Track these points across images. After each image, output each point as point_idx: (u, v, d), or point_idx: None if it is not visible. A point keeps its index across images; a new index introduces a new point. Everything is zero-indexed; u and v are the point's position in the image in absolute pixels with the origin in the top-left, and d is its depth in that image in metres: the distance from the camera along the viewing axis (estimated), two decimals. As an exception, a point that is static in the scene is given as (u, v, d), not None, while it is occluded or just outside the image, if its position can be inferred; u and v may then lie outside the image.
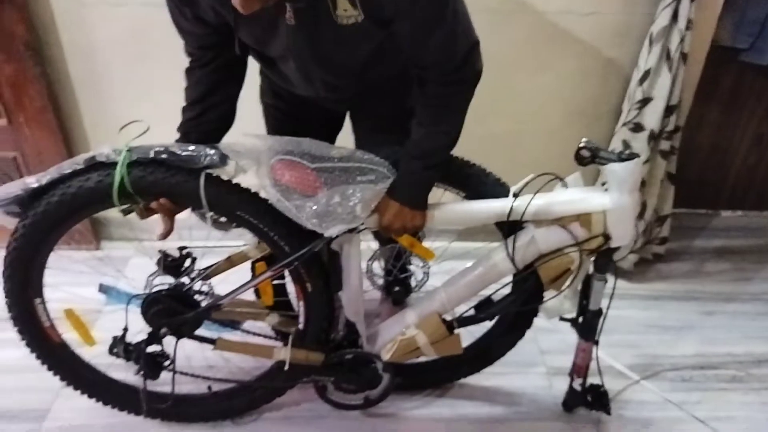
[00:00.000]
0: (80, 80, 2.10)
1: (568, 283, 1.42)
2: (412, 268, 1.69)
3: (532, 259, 1.43)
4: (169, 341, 1.50)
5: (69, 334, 1.55)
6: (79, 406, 1.69)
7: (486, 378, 1.84)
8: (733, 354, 2.05)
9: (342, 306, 1.51)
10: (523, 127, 2.23)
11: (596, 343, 1.58)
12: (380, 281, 1.69)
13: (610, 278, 1.48)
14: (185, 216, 1.42)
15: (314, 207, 1.30)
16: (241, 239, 1.54)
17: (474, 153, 1.49)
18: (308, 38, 1.19)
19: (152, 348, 1.50)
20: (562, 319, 1.57)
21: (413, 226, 1.39)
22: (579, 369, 1.65)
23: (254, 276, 1.52)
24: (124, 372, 1.61)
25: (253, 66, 1.44)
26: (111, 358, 1.51)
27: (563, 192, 1.38)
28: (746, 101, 2.46)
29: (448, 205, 1.43)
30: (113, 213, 1.37)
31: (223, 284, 1.51)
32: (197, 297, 1.51)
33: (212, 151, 1.30)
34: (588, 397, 1.69)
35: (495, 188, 1.45)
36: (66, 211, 1.33)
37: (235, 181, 1.37)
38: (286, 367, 1.52)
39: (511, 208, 1.36)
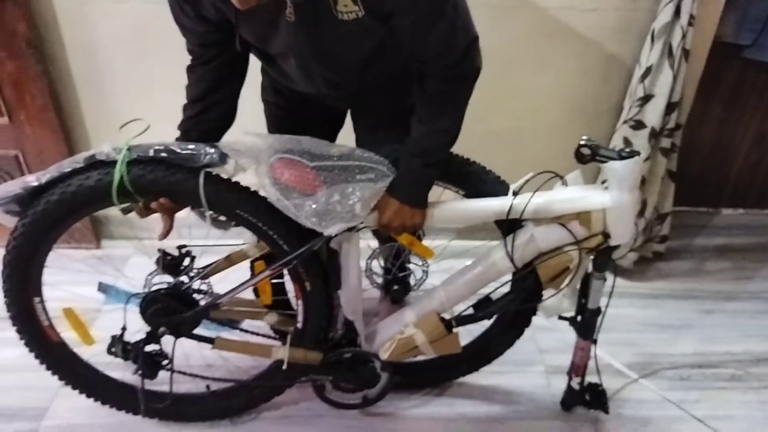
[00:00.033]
0: (82, 78, 2.09)
1: (567, 281, 1.42)
2: (411, 266, 1.69)
3: (531, 258, 1.42)
4: (167, 340, 1.50)
5: (68, 334, 1.55)
6: (77, 405, 1.69)
7: (484, 377, 1.84)
8: (732, 353, 2.04)
9: (341, 305, 1.51)
10: (523, 124, 2.23)
11: (595, 341, 1.58)
12: (379, 280, 1.69)
13: (609, 277, 1.48)
14: (184, 214, 1.42)
15: (313, 206, 1.29)
16: (241, 238, 1.54)
17: (474, 151, 1.49)
18: (308, 34, 1.19)
19: (151, 347, 1.50)
20: (560, 317, 1.57)
21: (412, 225, 1.39)
22: (577, 368, 1.64)
23: (253, 275, 1.52)
24: (122, 371, 1.61)
25: (254, 64, 1.44)
26: (110, 358, 1.51)
27: (563, 190, 1.38)
28: (748, 98, 2.45)
29: (448, 204, 1.42)
30: (113, 212, 1.38)
31: (222, 283, 1.51)
32: (196, 296, 1.51)
33: (212, 150, 1.30)
34: (586, 396, 1.68)
35: (494, 186, 1.44)
36: (66, 210, 1.33)
37: (234, 179, 1.37)
38: (285, 366, 1.52)
39: (511, 207, 1.36)
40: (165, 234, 1.42)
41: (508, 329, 1.66)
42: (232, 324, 1.63)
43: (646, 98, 2.02)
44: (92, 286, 1.60)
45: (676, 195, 2.28)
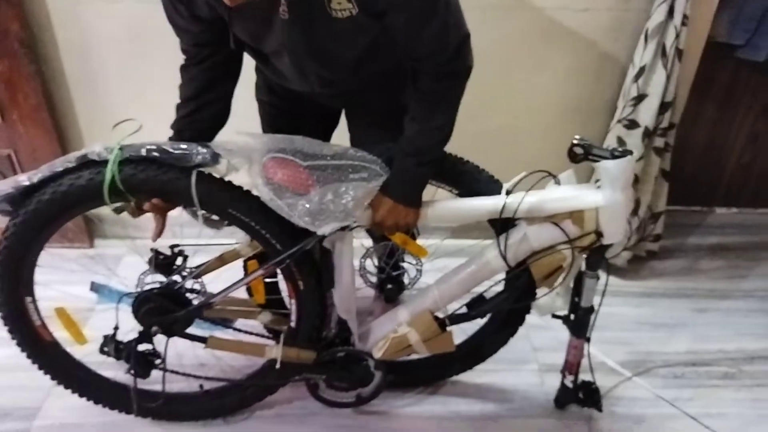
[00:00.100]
0: (75, 78, 2.09)
1: (560, 280, 1.43)
2: (404, 265, 1.69)
3: (524, 257, 1.43)
4: (160, 340, 1.50)
5: (60, 333, 1.54)
6: (70, 404, 1.68)
7: (478, 375, 1.84)
8: (725, 351, 2.05)
9: (334, 304, 1.51)
10: (517, 123, 2.23)
11: (588, 340, 1.58)
12: (373, 279, 1.69)
13: (603, 275, 1.48)
14: (177, 214, 1.42)
15: (306, 205, 1.29)
16: (233, 237, 1.54)
17: (468, 150, 1.49)
18: (302, 32, 1.19)
19: (143, 346, 1.49)
20: (554, 316, 1.58)
21: (406, 224, 1.39)
22: (571, 366, 1.65)
23: (246, 274, 1.52)
24: (115, 371, 1.61)
25: (248, 63, 1.43)
26: (102, 357, 1.51)
27: (556, 189, 1.38)
28: (741, 98, 2.46)
29: (441, 203, 1.43)
30: (106, 211, 1.37)
31: (215, 282, 1.50)
32: (189, 295, 1.51)
33: (204, 150, 1.30)
34: (580, 394, 1.69)
35: (488, 185, 1.44)
36: (57, 209, 1.33)
37: (227, 179, 1.36)
38: (278, 365, 1.52)
39: (504, 206, 1.36)
40: (158, 234, 1.42)
41: (501, 328, 1.67)
42: (226, 323, 1.63)
43: (640, 98, 2.02)
44: (85, 285, 1.59)
45: (670, 194, 2.28)
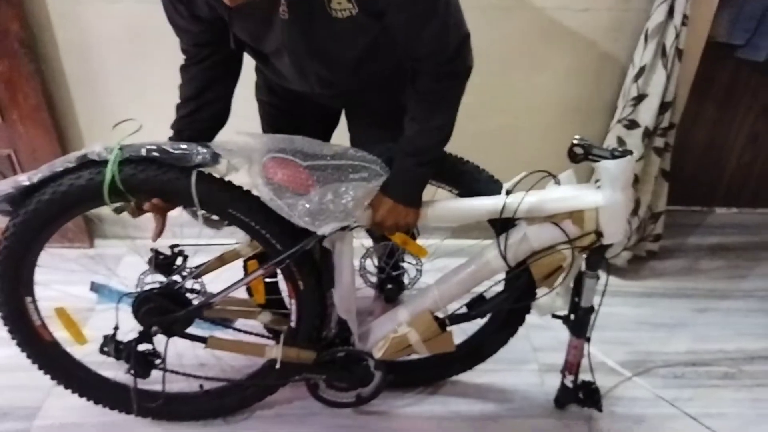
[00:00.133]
0: (75, 78, 2.09)
1: (560, 280, 1.42)
2: (405, 265, 1.69)
3: (524, 257, 1.43)
4: (160, 340, 1.50)
5: (60, 333, 1.54)
6: (70, 404, 1.68)
7: (478, 375, 1.84)
8: (725, 351, 2.05)
9: (334, 304, 1.51)
10: (517, 123, 2.23)
11: (588, 340, 1.58)
12: (373, 279, 1.69)
13: (602, 275, 1.48)
14: (177, 214, 1.42)
15: (306, 205, 1.29)
16: (233, 237, 1.54)
17: (468, 150, 1.49)
18: (303, 32, 1.19)
19: (143, 346, 1.49)
20: (554, 316, 1.58)
21: (406, 224, 1.39)
22: (571, 366, 1.65)
23: (246, 274, 1.52)
24: (115, 370, 1.61)
25: (248, 63, 1.43)
26: (102, 357, 1.51)
27: (556, 189, 1.38)
28: (741, 98, 2.46)
29: (441, 203, 1.43)
30: (106, 211, 1.37)
31: (215, 282, 1.50)
32: (189, 295, 1.51)
33: (204, 150, 1.30)
34: (580, 394, 1.69)
35: (488, 185, 1.44)
36: (57, 209, 1.32)
37: (227, 179, 1.36)
38: (278, 365, 1.52)
39: (504, 206, 1.36)
40: (158, 234, 1.42)
41: (501, 328, 1.67)
42: (226, 323, 1.63)
43: (640, 98, 2.02)
44: (85, 285, 1.59)
45: (670, 194, 2.28)
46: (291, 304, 1.52)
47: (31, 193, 1.32)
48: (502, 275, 1.51)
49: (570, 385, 1.69)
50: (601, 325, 1.57)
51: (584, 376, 1.68)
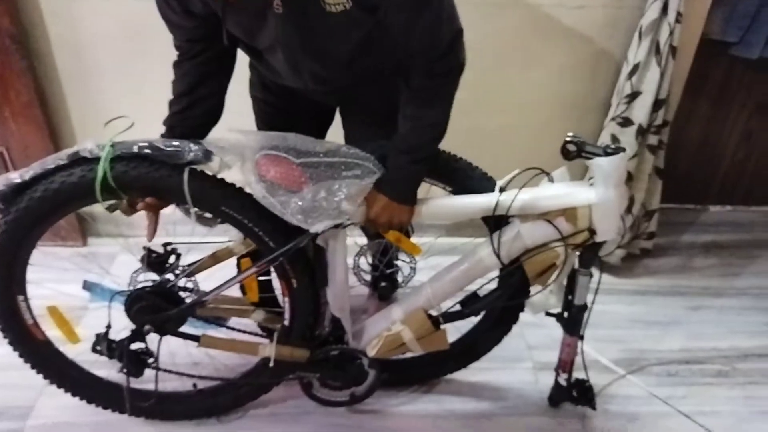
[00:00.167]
0: (68, 74, 2.08)
1: (553, 277, 1.42)
2: (398, 263, 1.69)
3: (517, 254, 1.42)
4: (153, 338, 1.49)
5: (53, 332, 1.53)
6: (63, 403, 1.67)
7: (472, 373, 1.84)
8: (718, 349, 2.06)
9: (327, 302, 1.51)
10: (511, 120, 2.23)
11: (581, 337, 1.58)
12: (367, 277, 1.69)
13: (596, 273, 1.48)
14: (170, 212, 1.41)
15: (299, 203, 1.29)
16: (226, 235, 1.53)
17: (462, 147, 1.49)
18: (297, 27, 1.19)
19: (136, 345, 1.49)
20: (547, 314, 1.58)
21: (399, 221, 1.39)
22: (564, 364, 1.65)
23: (239, 272, 1.51)
24: (108, 370, 1.60)
25: (242, 60, 1.43)
26: (95, 356, 1.50)
27: (549, 187, 1.38)
28: (735, 95, 2.47)
29: (434, 200, 1.42)
30: (99, 209, 1.36)
31: (208, 281, 1.50)
32: (181, 293, 1.50)
33: (196, 147, 1.30)
34: (573, 392, 1.69)
35: (481, 183, 1.44)
36: (48, 207, 1.32)
37: (219, 176, 1.36)
38: (272, 364, 1.51)
39: (497, 203, 1.36)
40: (152, 233, 1.42)
41: (495, 326, 1.67)
42: (219, 321, 1.63)
43: (634, 95, 2.03)
44: (78, 284, 1.58)
45: (664, 192, 2.28)
46: (284, 302, 1.52)
47: (22, 191, 1.31)
48: (496, 273, 1.51)
49: (564, 383, 1.69)
50: (594, 323, 1.57)
51: (578, 374, 1.68)
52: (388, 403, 1.78)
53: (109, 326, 1.48)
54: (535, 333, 2.01)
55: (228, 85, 1.41)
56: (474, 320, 1.65)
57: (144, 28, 1.93)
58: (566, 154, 1.32)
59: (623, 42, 2.05)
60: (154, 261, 1.49)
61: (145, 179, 1.28)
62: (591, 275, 1.48)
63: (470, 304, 1.54)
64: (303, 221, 1.29)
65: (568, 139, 1.31)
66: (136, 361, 1.49)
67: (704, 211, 2.76)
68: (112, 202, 1.36)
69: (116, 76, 2.07)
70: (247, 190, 1.34)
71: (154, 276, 1.49)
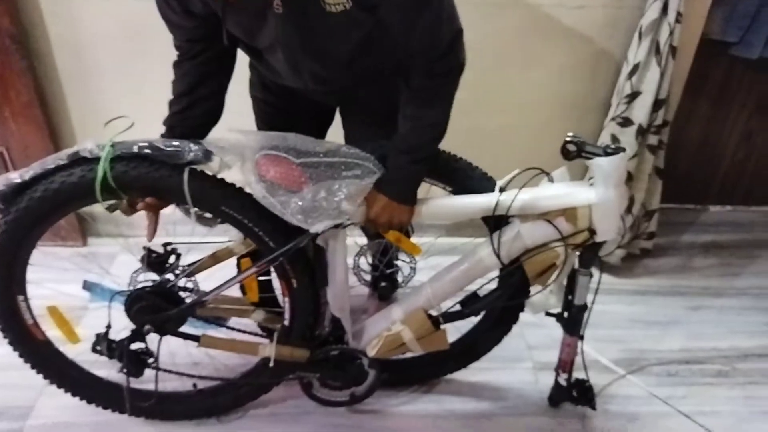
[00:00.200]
0: (68, 74, 2.08)
1: (553, 277, 1.42)
2: (398, 263, 1.69)
3: (517, 254, 1.42)
4: (153, 339, 1.49)
5: (53, 332, 1.53)
6: (63, 403, 1.67)
7: (472, 373, 1.84)
8: (718, 349, 2.05)
9: (328, 302, 1.51)
10: (511, 120, 2.23)
11: (581, 337, 1.58)
12: (367, 277, 1.69)
13: (596, 273, 1.48)
14: (170, 212, 1.41)
15: (299, 202, 1.29)
16: (226, 235, 1.53)
17: (462, 147, 1.49)
18: (297, 27, 1.19)
19: (136, 345, 1.49)
20: (547, 314, 1.58)
21: (399, 222, 1.39)
22: (564, 364, 1.65)
23: (239, 272, 1.51)
24: (108, 370, 1.60)
25: (242, 60, 1.43)
26: (95, 356, 1.50)
27: (549, 187, 1.38)
28: (735, 96, 2.47)
29: (434, 200, 1.42)
30: (99, 209, 1.36)
31: (208, 281, 1.50)
32: (181, 293, 1.50)
33: (196, 147, 1.30)
34: (573, 392, 1.69)
35: (481, 183, 1.44)
36: (48, 207, 1.32)
37: (219, 176, 1.36)
38: (271, 364, 1.51)
39: (497, 203, 1.36)
40: (152, 233, 1.42)
41: (495, 326, 1.67)
42: (219, 322, 1.63)
43: (634, 95, 2.03)
44: (78, 284, 1.58)
45: (664, 192, 2.28)
46: (284, 302, 1.52)
47: (22, 191, 1.31)
48: (496, 273, 1.51)
49: (564, 383, 1.69)
50: (594, 323, 1.57)
51: (578, 374, 1.68)
52: (388, 403, 1.78)
53: (109, 326, 1.48)
54: (536, 333, 2.01)
55: (228, 85, 1.41)
56: (474, 320, 1.65)
57: (144, 28, 1.93)
58: (566, 154, 1.32)
59: (623, 42, 2.05)
60: (154, 261, 1.49)
61: (145, 179, 1.28)
62: (591, 275, 1.48)
63: (470, 304, 1.54)
64: (303, 221, 1.29)
65: (568, 139, 1.31)
66: (136, 361, 1.49)
67: (704, 211, 2.76)
68: (112, 202, 1.36)
69: (116, 76, 2.07)
70: (247, 190, 1.34)
71: (154, 276, 1.49)
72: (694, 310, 2.23)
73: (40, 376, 1.57)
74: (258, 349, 1.55)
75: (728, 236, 2.63)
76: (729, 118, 2.52)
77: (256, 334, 1.65)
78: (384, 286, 1.69)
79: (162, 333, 1.48)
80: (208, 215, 1.40)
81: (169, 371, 1.55)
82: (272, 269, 1.48)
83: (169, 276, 1.49)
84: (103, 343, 1.48)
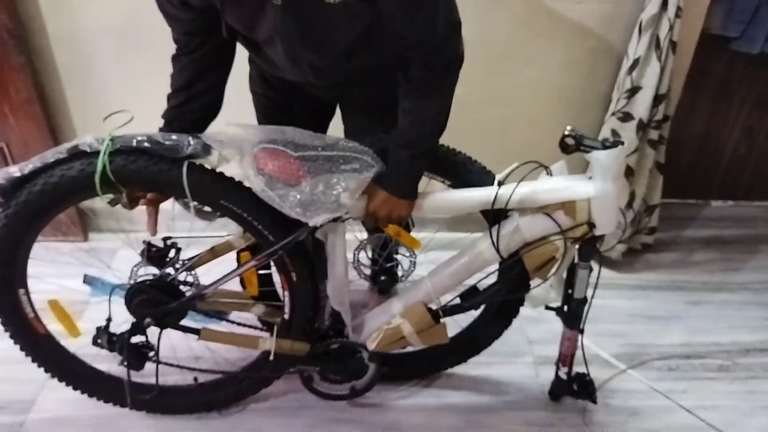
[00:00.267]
0: (66, 69, 2.08)
1: (553, 271, 1.42)
2: (398, 257, 1.69)
3: (517, 248, 1.43)
4: (154, 333, 1.50)
5: (54, 326, 1.54)
6: (64, 397, 1.68)
7: (473, 368, 1.84)
8: (719, 343, 2.05)
9: (327, 295, 1.51)
10: (510, 115, 2.22)
11: (581, 331, 1.58)
12: (367, 271, 1.69)
13: (595, 267, 1.48)
14: (169, 206, 1.41)
15: (298, 196, 1.29)
16: (226, 229, 1.54)
17: (462, 142, 1.49)
18: (295, 18, 1.18)
19: (136, 338, 1.49)
20: (547, 307, 1.58)
21: (399, 216, 1.39)
22: (564, 357, 1.65)
23: (239, 266, 1.51)
24: (109, 363, 1.61)
25: (241, 54, 1.43)
26: (96, 350, 1.51)
27: (548, 180, 1.38)
28: (736, 90, 2.46)
29: (433, 194, 1.42)
30: (100, 205, 1.37)
31: (209, 275, 1.50)
32: (182, 287, 1.51)
33: (195, 141, 1.30)
34: (574, 386, 1.69)
35: (480, 176, 1.44)
36: (48, 200, 1.32)
37: (218, 170, 1.36)
38: (272, 357, 1.52)
39: (496, 197, 1.36)
40: (154, 226, 1.43)
41: (495, 320, 1.67)
42: (219, 315, 1.63)
43: (634, 90, 2.02)
44: (80, 278, 1.60)
45: (665, 187, 2.28)
46: (284, 295, 1.52)
47: (22, 185, 1.31)
48: (495, 267, 1.51)
49: (564, 377, 1.69)
50: (595, 317, 1.57)
51: (579, 368, 1.68)
52: (389, 396, 1.79)
53: (109, 319, 1.48)
54: (537, 328, 2.01)
55: (227, 79, 1.42)
56: (474, 314, 1.65)
57: (142, 21, 1.92)
58: (564, 148, 1.32)
59: (623, 37, 2.05)
60: (154, 255, 1.49)
61: (144, 173, 1.29)
62: (590, 269, 1.48)
63: (470, 297, 1.54)
64: (302, 214, 1.29)
65: (566, 132, 1.31)
66: (136, 355, 1.50)
67: (706, 206, 2.76)
68: (114, 196, 1.37)
69: (115, 71, 2.07)
70: (246, 183, 1.34)
71: (155, 270, 1.49)
72: (695, 305, 2.22)
73: (42, 369, 1.58)
74: (258, 342, 1.56)
75: (730, 231, 2.63)
76: (730, 113, 2.52)
77: (256, 328, 1.66)
78: (384, 279, 1.70)
79: (162, 326, 1.49)
80: (207, 209, 1.41)
81: (170, 365, 1.56)
82: (272, 263, 1.48)
83: (169, 270, 1.49)
84: (104, 337, 1.48)
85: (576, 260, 1.48)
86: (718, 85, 2.43)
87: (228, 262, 1.55)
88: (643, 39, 1.94)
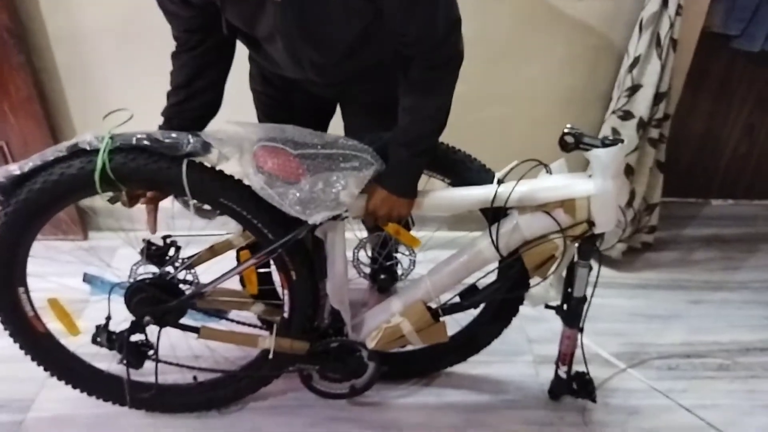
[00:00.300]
0: (66, 68, 2.08)
1: (552, 269, 1.42)
2: (398, 256, 1.69)
3: (516, 246, 1.42)
4: (153, 330, 1.50)
5: (54, 324, 1.54)
6: (64, 396, 1.68)
7: (473, 366, 1.84)
8: (719, 342, 2.05)
9: (327, 294, 1.51)
10: (510, 113, 2.22)
11: (581, 330, 1.58)
12: (366, 270, 1.69)
13: (595, 265, 1.48)
14: (168, 205, 1.41)
15: (297, 194, 1.29)
16: (225, 228, 1.53)
17: (462, 140, 1.49)
18: (296, 15, 1.18)
19: (136, 337, 1.49)
20: (547, 306, 1.58)
21: (399, 214, 1.39)
22: (564, 356, 1.65)
23: (238, 264, 1.51)
24: (109, 362, 1.61)
25: (241, 52, 1.43)
26: (96, 349, 1.51)
27: (547, 178, 1.38)
28: (737, 89, 2.46)
29: (432, 192, 1.42)
30: (100, 203, 1.37)
31: (208, 273, 1.50)
32: (181, 286, 1.51)
33: (194, 139, 1.30)
34: (573, 385, 1.69)
35: (480, 175, 1.44)
36: (48, 199, 1.32)
37: (218, 168, 1.36)
38: (271, 356, 1.52)
39: (495, 195, 1.36)
40: (154, 224, 1.43)
41: (495, 318, 1.66)
42: (219, 314, 1.63)
43: (634, 88, 2.02)
44: (79, 277, 1.59)
45: (665, 185, 2.28)
46: (284, 294, 1.52)
47: (22, 183, 1.31)
48: (495, 265, 1.51)
49: (564, 376, 1.69)
50: (595, 316, 1.57)
51: (579, 367, 1.68)
52: (388, 395, 1.79)
53: (109, 318, 1.48)
54: (537, 327, 2.01)
55: (227, 77, 1.41)
56: (474, 313, 1.65)
57: (142, 19, 1.92)
58: (564, 146, 1.32)
59: (624, 35, 2.05)
60: (154, 253, 1.49)
61: (144, 171, 1.29)
62: (590, 267, 1.48)
63: (469, 296, 1.54)
64: (301, 212, 1.29)
65: (566, 130, 1.31)
66: (136, 353, 1.50)
67: (706, 204, 2.76)
68: (114, 194, 1.36)
69: (115, 69, 2.07)
70: (246, 181, 1.34)
71: (154, 268, 1.49)
72: (695, 304, 2.22)
73: (41, 368, 1.58)
74: (258, 341, 1.56)
75: (730, 230, 2.63)
76: (731, 111, 2.51)
77: (255, 327, 1.66)
78: (383, 278, 1.69)
79: (162, 324, 1.48)
80: (206, 207, 1.40)
81: (170, 363, 1.56)
82: (271, 261, 1.48)
83: (169, 268, 1.49)
84: (103, 335, 1.48)
85: (576, 259, 1.47)
86: (718, 84, 2.43)
87: (227, 260, 1.54)
88: (644, 37, 1.94)
